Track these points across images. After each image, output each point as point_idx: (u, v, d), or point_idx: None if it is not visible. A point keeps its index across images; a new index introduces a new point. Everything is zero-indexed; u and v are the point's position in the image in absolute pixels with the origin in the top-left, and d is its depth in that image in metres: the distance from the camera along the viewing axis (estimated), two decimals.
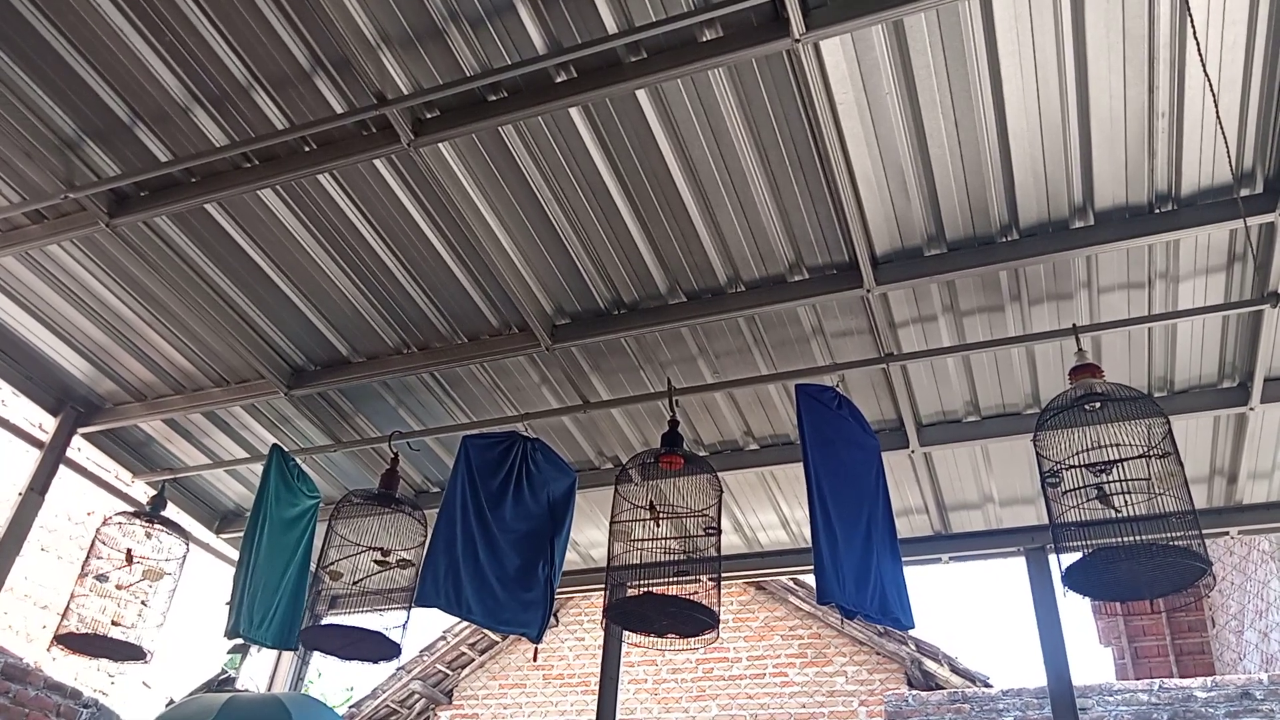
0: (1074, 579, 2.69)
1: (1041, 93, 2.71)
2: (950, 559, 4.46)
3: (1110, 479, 2.73)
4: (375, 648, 3.54)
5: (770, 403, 3.94)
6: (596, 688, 4.42)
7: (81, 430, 4.45)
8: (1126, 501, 2.68)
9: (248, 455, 4.62)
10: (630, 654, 9.97)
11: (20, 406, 6.23)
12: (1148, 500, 2.69)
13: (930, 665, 9.37)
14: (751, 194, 3.11)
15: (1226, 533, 4.11)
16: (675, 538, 3.27)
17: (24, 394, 4.28)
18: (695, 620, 3.10)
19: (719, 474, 3.38)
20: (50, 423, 4.42)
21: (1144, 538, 2.58)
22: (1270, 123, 2.71)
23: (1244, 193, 2.89)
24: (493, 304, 3.67)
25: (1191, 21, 2.43)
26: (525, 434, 3.83)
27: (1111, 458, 2.76)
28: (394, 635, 3.50)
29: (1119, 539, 2.60)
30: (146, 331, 4.00)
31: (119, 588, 4.06)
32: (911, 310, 3.44)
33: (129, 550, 4.08)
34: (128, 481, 5.07)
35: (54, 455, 4.36)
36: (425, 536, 3.66)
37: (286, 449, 4.24)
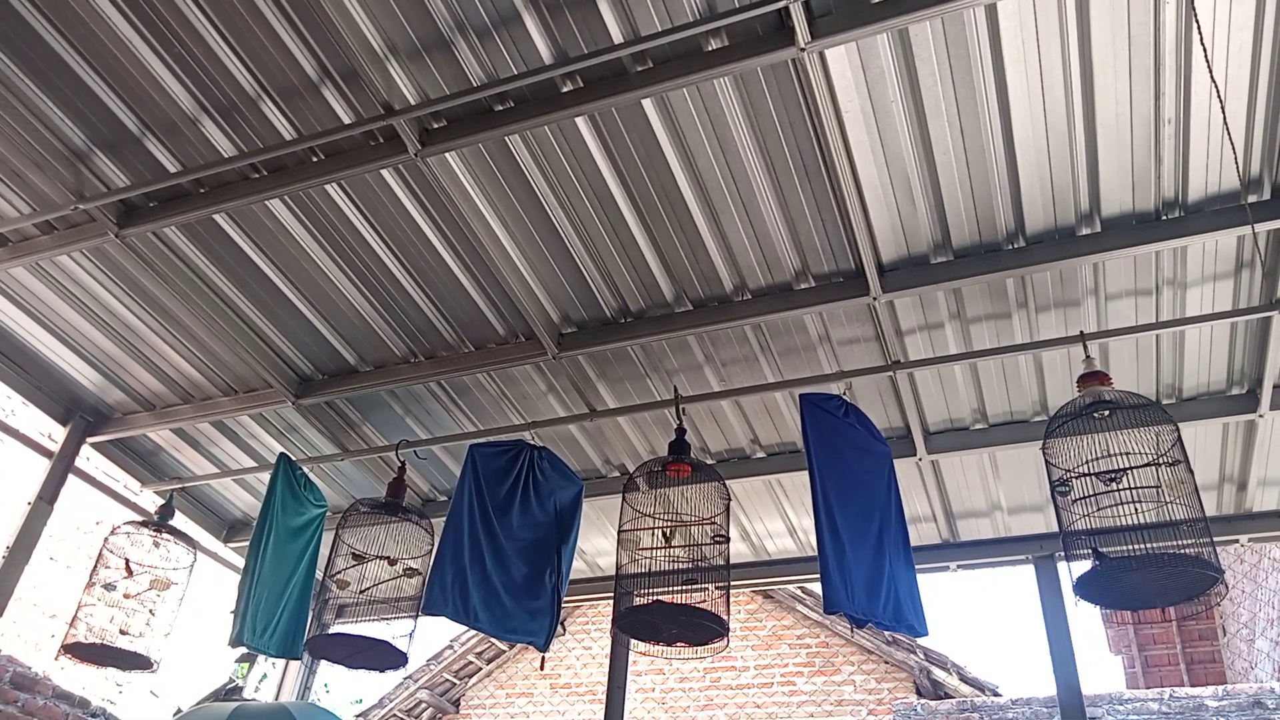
0: (1085, 588, 2.68)
1: (1047, 99, 2.71)
2: (958, 567, 4.45)
3: (1120, 487, 2.71)
4: (382, 657, 3.54)
5: (777, 410, 3.94)
6: (604, 697, 4.40)
7: (90, 440, 4.47)
8: (1136, 510, 2.67)
9: (255, 464, 4.63)
10: (637, 663, 9.94)
11: (30, 416, 6.26)
12: (1157, 508, 2.67)
13: (939, 674, 9.33)
14: (757, 202, 3.11)
15: (1237, 540, 4.09)
16: (683, 546, 3.26)
17: (33, 404, 4.29)
18: (705, 628, 3.08)
19: (726, 482, 3.37)
20: (59, 432, 4.43)
21: (1154, 546, 2.56)
22: (1278, 129, 2.70)
23: (1251, 199, 2.88)
24: (499, 312, 3.68)
25: (1198, 28, 2.44)
26: (532, 442, 3.82)
27: (1121, 465, 2.74)
28: (401, 644, 3.50)
29: (1130, 547, 2.58)
30: (155, 341, 4.01)
31: (127, 597, 4.07)
32: (918, 318, 3.43)
33: (127, 560, 4.08)
34: (136, 491, 5.08)
35: (63, 465, 4.37)
36: (432, 545, 3.66)
37: (294, 458, 4.25)
